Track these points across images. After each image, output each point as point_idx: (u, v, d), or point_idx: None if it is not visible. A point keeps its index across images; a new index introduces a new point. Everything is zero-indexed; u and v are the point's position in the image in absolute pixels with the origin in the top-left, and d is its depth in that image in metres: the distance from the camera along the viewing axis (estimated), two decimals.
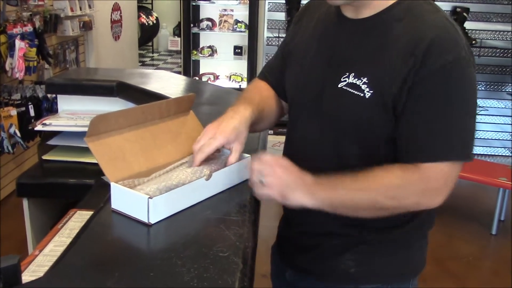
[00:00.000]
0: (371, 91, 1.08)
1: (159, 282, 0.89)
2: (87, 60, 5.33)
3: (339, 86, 1.13)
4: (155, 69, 9.28)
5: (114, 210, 1.14)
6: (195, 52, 5.10)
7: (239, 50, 5.06)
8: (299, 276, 1.33)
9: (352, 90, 1.11)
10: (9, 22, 3.40)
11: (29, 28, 3.57)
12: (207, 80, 5.03)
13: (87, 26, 4.87)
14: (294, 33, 1.35)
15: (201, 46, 5.15)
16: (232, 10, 4.89)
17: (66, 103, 2.58)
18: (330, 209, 1.10)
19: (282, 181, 1.09)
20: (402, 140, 1.09)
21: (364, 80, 1.09)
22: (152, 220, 1.08)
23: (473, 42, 4.69)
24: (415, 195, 1.08)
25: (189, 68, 5.08)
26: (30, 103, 3.52)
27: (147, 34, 10.10)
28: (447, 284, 3.10)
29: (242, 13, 4.91)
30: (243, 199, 1.22)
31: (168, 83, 2.58)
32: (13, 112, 3.37)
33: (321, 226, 1.23)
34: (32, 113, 3.54)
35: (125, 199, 1.11)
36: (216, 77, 5.13)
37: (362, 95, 1.09)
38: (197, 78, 5.18)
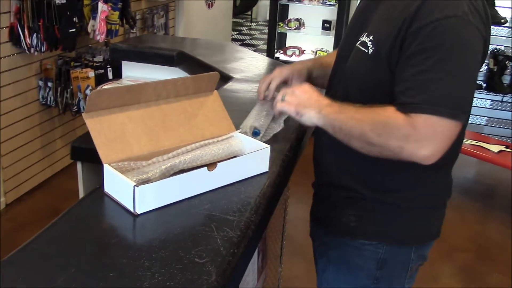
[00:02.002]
0: (373, 48, 1.16)
1: (114, 286, 0.79)
2: (177, 26, 5.36)
3: (356, 44, 1.22)
4: (250, 39, 9.23)
5: (106, 194, 1.06)
6: (282, 24, 4.92)
7: (328, 25, 4.80)
8: (315, 226, 1.45)
9: (361, 47, 1.19)
10: None
11: None
12: (292, 55, 4.85)
13: None
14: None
15: (288, 18, 4.96)
16: None
17: (130, 70, 2.57)
18: (332, 131, 1.18)
19: (299, 99, 1.22)
20: (396, 92, 1.12)
21: (371, 37, 1.18)
22: (139, 210, 0.99)
23: (502, 21, 4.10)
24: (399, 139, 1.08)
25: (274, 41, 4.92)
26: (109, 65, 3.58)
27: (247, 2, 10.03)
28: None
29: None
30: (249, 196, 1.09)
31: (231, 56, 2.48)
32: (91, 73, 3.44)
33: (332, 177, 1.32)
34: (110, 75, 3.60)
35: (115, 184, 1.03)
36: (302, 52, 4.93)
37: (366, 51, 1.18)
38: (281, 52, 5.02)
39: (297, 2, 4.82)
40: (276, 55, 4.95)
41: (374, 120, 1.12)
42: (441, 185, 1.32)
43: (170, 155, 1.12)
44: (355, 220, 1.29)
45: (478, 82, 4.41)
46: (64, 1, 3.08)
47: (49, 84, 3.40)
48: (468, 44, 1.08)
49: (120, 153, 1.07)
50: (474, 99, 4.46)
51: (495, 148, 3.73)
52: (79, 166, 2.33)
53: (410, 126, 1.06)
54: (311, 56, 4.88)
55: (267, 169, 1.20)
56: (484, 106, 4.62)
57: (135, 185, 0.96)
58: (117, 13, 3.61)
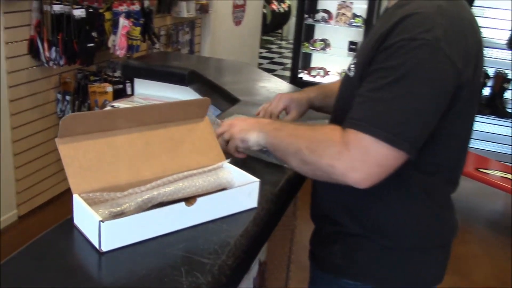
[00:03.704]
0: (354, 71, 1.12)
1: None
2: (203, 43, 5.34)
3: (346, 69, 1.19)
4: (279, 57, 9.18)
5: (75, 227, 0.98)
6: (307, 45, 4.85)
7: (354, 46, 4.72)
8: (310, 259, 1.35)
9: (348, 71, 1.16)
10: (116, 0, 3.44)
11: (136, 7, 3.59)
12: (316, 75, 4.77)
13: (203, 9, 4.85)
14: None
15: (314, 38, 4.89)
16: (351, 3, 4.55)
17: (142, 87, 2.53)
18: (272, 149, 1.16)
19: (239, 128, 1.20)
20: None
21: (355, 61, 1.14)
22: (104, 248, 0.90)
23: None
24: (331, 156, 1.01)
25: (298, 61, 4.84)
26: (128, 81, 3.55)
27: (278, 20, 10.01)
28: None
29: (361, 6, 4.55)
30: (230, 235, 1.00)
31: (244, 77, 2.40)
32: (109, 88, 3.43)
33: (323, 209, 1.26)
34: (129, 91, 3.57)
35: (83, 217, 0.95)
36: (326, 73, 4.84)
37: (349, 74, 1.14)
38: (305, 72, 4.94)
39: (323, 23, 4.74)
40: (300, 75, 4.87)
41: (311, 137, 1.08)
42: (441, 225, 1.22)
43: (149, 186, 1.04)
44: (341, 257, 1.21)
45: (508, 109, 4.23)
46: (84, 16, 3.07)
47: (67, 97, 3.39)
48: (430, 72, 0.98)
49: (94, 183, 0.99)
50: (502, 127, 4.25)
51: None
52: None
53: (343, 143, 1.00)
54: (337, 77, 4.79)
55: (255, 205, 1.11)
56: None
57: (101, 220, 0.88)
58: (138, 28, 3.59)
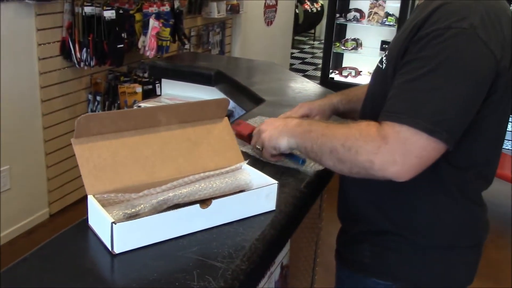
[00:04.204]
0: (386, 62, 1.10)
1: None
2: (233, 44, 5.34)
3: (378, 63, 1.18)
4: (311, 57, 9.12)
5: (90, 227, 0.97)
6: (338, 44, 4.79)
7: (387, 46, 4.63)
8: (337, 258, 1.34)
9: (379, 64, 1.15)
10: (146, 1, 3.47)
11: (166, 8, 3.61)
12: (348, 75, 4.70)
13: (234, 9, 4.85)
14: None
15: (345, 38, 4.82)
16: (384, 2, 4.46)
17: (169, 87, 2.53)
18: (305, 152, 1.14)
19: (268, 135, 1.21)
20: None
21: (386, 52, 1.13)
22: (117, 250, 0.89)
23: None
24: (370, 151, 0.99)
25: (329, 61, 4.78)
26: (157, 81, 3.57)
27: (310, 20, 9.94)
28: None
29: (394, 5, 4.46)
30: (246, 239, 0.97)
31: (270, 77, 2.38)
32: (139, 89, 3.45)
33: (349, 207, 1.25)
34: (158, 91, 3.59)
35: (97, 218, 0.94)
36: (358, 73, 4.77)
37: (381, 66, 1.13)
38: (336, 72, 4.88)
39: (355, 22, 4.67)
40: (331, 75, 4.82)
41: (345, 134, 1.04)
42: (473, 223, 1.18)
43: (165, 187, 1.02)
44: (369, 256, 1.20)
45: None
46: (114, 17, 3.10)
47: (98, 98, 3.43)
48: (467, 60, 0.95)
49: (108, 184, 0.98)
50: None
51: None
52: None
53: (381, 137, 0.97)
54: (368, 77, 4.72)
55: (274, 208, 1.08)
56: None
57: (113, 222, 0.87)
58: (168, 29, 3.61)
